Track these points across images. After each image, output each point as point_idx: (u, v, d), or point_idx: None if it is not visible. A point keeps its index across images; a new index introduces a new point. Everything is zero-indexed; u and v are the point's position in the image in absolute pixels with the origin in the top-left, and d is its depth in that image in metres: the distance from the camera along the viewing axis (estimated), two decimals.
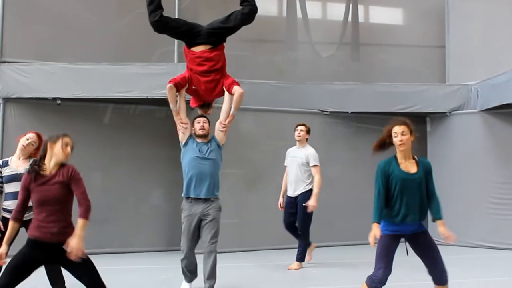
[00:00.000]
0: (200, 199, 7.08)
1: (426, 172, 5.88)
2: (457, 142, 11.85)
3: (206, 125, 7.28)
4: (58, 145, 5.39)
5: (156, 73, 10.00)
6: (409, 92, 12.10)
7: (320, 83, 12.38)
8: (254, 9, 6.82)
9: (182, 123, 7.03)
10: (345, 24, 14.22)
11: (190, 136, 7.22)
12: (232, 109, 6.80)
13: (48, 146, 5.40)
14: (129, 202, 10.93)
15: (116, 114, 10.93)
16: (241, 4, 6.81)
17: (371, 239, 5.51)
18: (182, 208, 7.21)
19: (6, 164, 6.74)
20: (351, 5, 14.25)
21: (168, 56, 11.78)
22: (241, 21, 6.78)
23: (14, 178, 6.54)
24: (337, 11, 14.33)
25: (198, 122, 7.25)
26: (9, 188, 6.59)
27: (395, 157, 5.86)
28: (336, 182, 11.49)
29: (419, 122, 12.26)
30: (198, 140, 7.21)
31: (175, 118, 7.00)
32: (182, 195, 7.18)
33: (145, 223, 10.96)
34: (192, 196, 7.09)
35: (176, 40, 11.84)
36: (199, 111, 7.18)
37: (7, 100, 10.40)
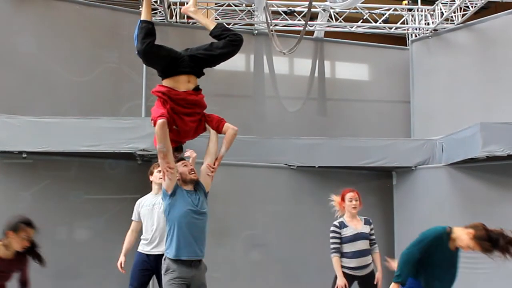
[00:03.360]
0: (192, 261, 6.12)
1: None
2: (423, 196, 11.93)
3: (195, 169, 6.32)
4: (18, 238, 5.47)
5: (124, 127, 9.99)
6: (375, 147, 12.19)
7: (287, 137, 12.43)
8: (240, 37, 6.24)
9: (169, 167, 5.91)
10: (311, 80, 14.40)
11: (176, 184, 6.10)
12: (223, 149, 6.31)
13: (8, 234, 5.45)
14: (95, 258, 10.78)
15: (83, 168, 10.85)
16: (219, 37, 6.27)
17: None
18: (167, 269, 6.07)
19: None
20: (317, 61, 14.44)
21: (135, 110, 11.81)
22: (228, 51, 6.26)
23: None
24: (303, 67, 14.51)
25: (185, 166, 6.21)
26: None
27: None
28: (303, 236, 11.48)
29: (385, 176, 12.38)
30: (186, 188, 6.16)
31: (161, 161, 5.90)
32: (169, 256, 6.07)
33: (111, 279, 10.80)
34: (183, 258, 6.03)
35: (144, 94, 11.92)
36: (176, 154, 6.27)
37: None
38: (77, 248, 10.67)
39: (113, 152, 10.09)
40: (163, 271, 6.11)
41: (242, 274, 11.16)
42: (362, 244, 7.83)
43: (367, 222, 8.00)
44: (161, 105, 5.94)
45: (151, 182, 7.84)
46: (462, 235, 5.85)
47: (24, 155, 10.37)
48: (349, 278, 7.86)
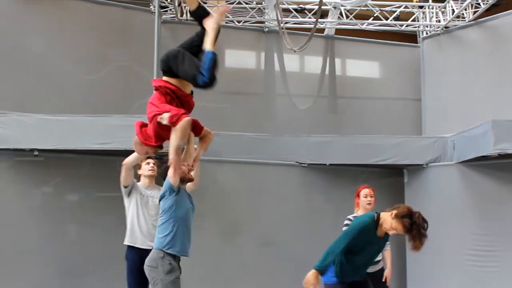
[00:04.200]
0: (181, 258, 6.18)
1: None
2: (434, 193, 11.89)
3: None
4: None
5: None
6: (386, 145, 12.16)
7: (298, 135, 12.41)
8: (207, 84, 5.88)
9: (182, 165, 6.04)
10: (322, 77, 14.39)
11: None
12: (201, 152, 6.36)
13: None
14: (105, 256, 10.79)
15: (94, 166, 10.87)
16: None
17: None
18: (172, 268, 6.03)
19: None
20: (328, 59, 14.43)
21: (146, 108, 11.80)
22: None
23: None
24: (314, 65, 14.49)
25: (183, 165, 6.16)
26: None
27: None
28: (314, 234, 11.46)
29: (396, 174, 12.34)
30: (182, 186, 6.17)
31: (176, 158, 5.90)
32: (173, 252, 6.04)
33: (122, 277, 10.81)
34: (186, 255, 6.15)
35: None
36: (151, 151, 6.28)
37: None
38: (88, 246, 10.68)
39: (124, 149, 10.09)
40: (164, 270, 6.02)
41: (252, 272, 11.17)
42: None
43: None
44: (165, 102, 6.00)
45: (139, 175, 7.77)
46: (386, 218, 5.95)
47: (36, 153, 10.41)
48: None
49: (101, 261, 10.65)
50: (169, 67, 6.08)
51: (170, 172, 6.03)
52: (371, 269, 7.83)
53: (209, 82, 5.83)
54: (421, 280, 11.65)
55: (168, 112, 5.86)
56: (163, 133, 5.97)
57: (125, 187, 7.36)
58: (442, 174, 11.95)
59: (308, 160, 12.03)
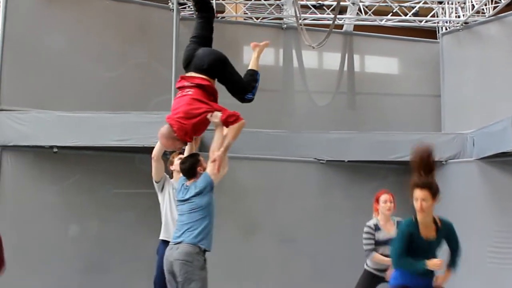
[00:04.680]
0: None
1: None
2: (453, 190, 11.81)
3: None
4: None
5: (153, 121, 9.99)
6: (405, 141, 12.05)
7: (316, 132, 12.39)
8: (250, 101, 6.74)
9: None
10: (341, 74, 14.33)
11: None
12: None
13: None
14: (124, 252, 10.85)
15: (113, 163, 10.92)
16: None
17: None
18: (204, 264, 6.26)
19: None
20: (346, 55, 14.38)
21: (164, 104, 11.83)
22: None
23: None
24: (333, 61, 14.45)
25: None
26: None
27: None
28: (332, 231, 11.45)
29: None
30: None
31: (223, 156, 6.29)
32: (208, 248, 6.29)
33: (142, 272, 10.86)
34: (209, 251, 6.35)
35: (173, 89, 11.95)
36: (180, 146, 6.67)
37: (4, 148, 10.40)
38: (107, 243, 10.75)
39: (142, 146, 10.14)
40: (199, 265, 6.15)
41: (270, 269, 11.17)
42: None
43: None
44: (211, 101, 6.30)
45: (172, 171, 7.76)
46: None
47: (55, 150, 10.48)
48: (375, 279, 7.85)
49: (120, 258, 10.71)
50: (215, 69, 6.31)
51: (213, 169, 6.24)
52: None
53: (252, 100, 6.58)
54: None
55: (220, 111, 6.15)
56: (201, 130, 6.28)
57: (157, 182, 7.36)
58: (461, 171, 11.88)
59: (326, 157, 12.00)
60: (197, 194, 6.24)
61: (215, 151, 6.25)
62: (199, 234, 6.17)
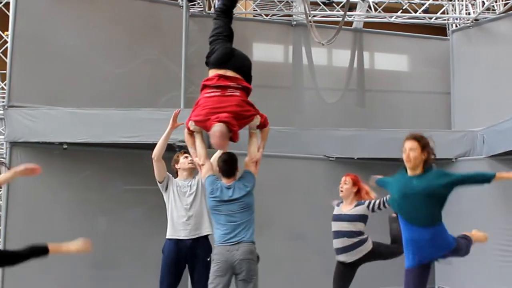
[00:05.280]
0: None
1: None
2: (463, 188, 11.77)
3: None
4: None
5: (163, 118, 9.97)
6: None
7: (326, 129, 12.39)
8: None
9: None
10: (350, 71, 14.32)
11: None
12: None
13: None
14: (133, 248, 10.87)
15: (123, 159, 10.95)
16: None
17: None
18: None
19: None
20: (356, 52, 14.36)
21: (174, 101, 11.84)
22: None
23: None
24: (342, 58, 14.44)
25: None
26: None
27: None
28: None
29: None
30: None
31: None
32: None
33: (151, 268, 10.87)
34: None
35: (183, 85, 11.98)
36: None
37: (13, 144, 10.43)
38: (116, 239, 10.78)
39: (152, 143, 10.12)
40: (256, 261, 6.51)
41: (280, 265, 11.16)
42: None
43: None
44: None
45: (177, 169, 7.70)
46: None
47: (65, 146, 10.51)
48: (344, 266, 7.95)
49: (129, 254, 10.75)
50: (248, 75, 6.55)
51: (255, 169, 6.61)
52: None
53: None
54: (449, 275, 11.59)
55: (259, 114, 6.43)
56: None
57: (161, 182, 7.35)
58: (471, 169, 11.79)
59: (336, 154, 12.01)
60: (247, 194, 6.44)
61: (254, 153, 6.58)
62: (253, 231, 6.47)
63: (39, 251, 5.93)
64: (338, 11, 14.11)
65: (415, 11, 14.31)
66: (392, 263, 8.10)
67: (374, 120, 13.64)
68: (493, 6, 13.65)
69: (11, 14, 10.87)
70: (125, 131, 10.24)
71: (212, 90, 6.27)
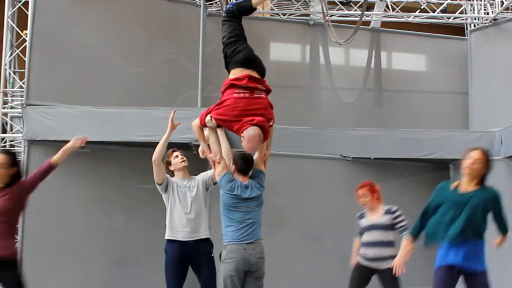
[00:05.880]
0: None
1: None
2: None
3: None
4: None
5: (180, 117, 9.97)
6: (432, 139, 12.03)
7: (342, 128, 12.35)
8: None
9: None
10: (368, 70, 14.31)
11: None
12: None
13: None
14: (152, 245, 10.88)
15: (139, 158, 10.96)
16: None
17: None
18: None
19: None
20: (373, 52, 14.33)
21: (191, 100, 11.87)
22: None
23: None
24: (360, 58, 14.42)
25: None
26: None
27: None
28: (358, 228, 11.42)
29: (442, 168, 12.21)
30: None
31: None
32: None
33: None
34: None
35: (200, 85, 12.01)
36: None
37: (31, 142, 10.48)
38: (132, 237, 10.81)
39: (169, 142, 10.16)
40: (264, 256, 6.38)
41: (296, 265, 11.16)
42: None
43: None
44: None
45: (172, 171, 7.66)
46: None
47: (83, 145, 10.54)
48: (365, 270, 7.87)
49: (145, 252, 10.76)
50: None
51: (265, 167, 6.56)
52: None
53: None
54: None
55: None
56: None
57: (160, 184, 7.37)
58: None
59: (352, 154, 11.97)
60: (262, 193, 6.45)
61: (263, 151, 6.50)
62: (261, 229, 6.46)
63: None
64: (355, 10, 14.07)
65: (433, 11, 14.26)
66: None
67: (391, 120, 13.61)
68: None
69: (30, 13, 10.92)
70: (142, 130, 10.26)
71: (241, 91, 6.12)
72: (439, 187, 6.15)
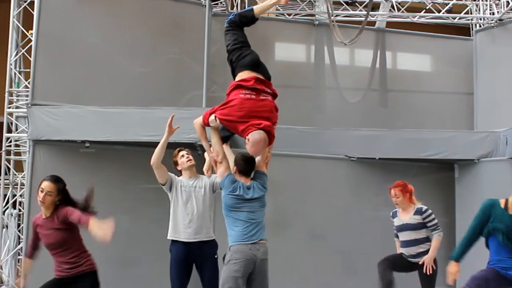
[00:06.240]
0: None
1: None
2: (486, 189, 11.71)
3: None
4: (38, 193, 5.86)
5: (185, 117, 9.99)
6: (437, 139, 12.02)
7: (347, 129, 12.34)
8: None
9: None
10: (372, 71, 14.29)
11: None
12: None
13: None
14: (156, 245, 10.88)
15: (144, 158, 10.94)
16: None
17: None
18: None
19: None
20: (379, 52, 14.32)
21: (196, 100, 11.88)
22: None
23: None
24: (365, 58, 14.40)
25: None
26: None
27: None
28: (362, 228, 11.42)
29: (447, 169, 12.20)
30: None
31: None
32: None
33: None
34: None
35: (205, 85, 12.02)
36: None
37: (36, 142, 10.50)
38: (137, 237, 10.81)
39: (173, 142, 10.17)
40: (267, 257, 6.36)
41: (300, 264, 11.16)
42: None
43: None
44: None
45: (180, 170, 7.67)
46: None
47: (87, 144, 10.57)
48: (406, 262, 8.14)
49: (150, 252, 10.76)
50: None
51: (266, 169, 6.59)
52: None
53: None
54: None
55: None
56: None
57: (164, 184, 7.39)
58: (493, 170, 11.77)
59: (357, 154, 11.97)
60: (264, 194, 6.47)
61: (265, 153, 6.49)
62: (265, 231, 6.44)
63: None
64: (360, 10, 14.06)
65: (439, 11, 14.25)
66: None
67: (396, 120, 13.60)
68: None
69: (35, 13, 10.95)
70: (146, 130, 10.27)
71: (248, 92, 6.12)
72: (488, 205, 6.61)
